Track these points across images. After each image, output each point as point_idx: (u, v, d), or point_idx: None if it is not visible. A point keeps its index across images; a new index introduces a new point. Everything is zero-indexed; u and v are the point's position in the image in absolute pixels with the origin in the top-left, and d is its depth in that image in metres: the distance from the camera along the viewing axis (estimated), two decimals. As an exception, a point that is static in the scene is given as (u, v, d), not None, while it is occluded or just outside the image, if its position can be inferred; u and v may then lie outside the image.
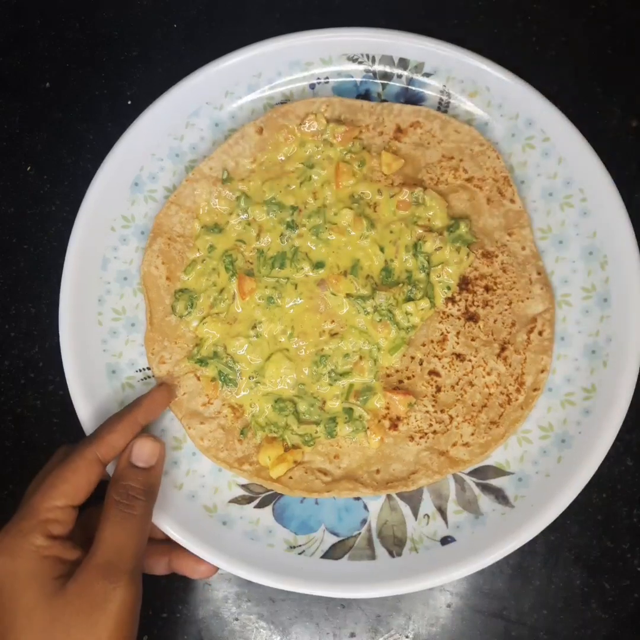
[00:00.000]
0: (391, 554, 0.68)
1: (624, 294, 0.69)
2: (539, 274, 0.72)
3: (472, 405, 0.70)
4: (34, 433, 0.82)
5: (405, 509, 0.69)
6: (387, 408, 0.71)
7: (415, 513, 0.69)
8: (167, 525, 0.67)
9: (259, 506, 0.70)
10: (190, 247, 0.75)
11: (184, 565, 0.69)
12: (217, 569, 0.68)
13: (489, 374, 0.70)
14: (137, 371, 0.74)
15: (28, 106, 0.89)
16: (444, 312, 0.72)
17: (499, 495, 0.68)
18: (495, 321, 0.72)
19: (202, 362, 0.72)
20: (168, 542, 0.70)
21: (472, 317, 0.72)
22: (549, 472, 0.67)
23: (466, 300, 0.72)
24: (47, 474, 0.64)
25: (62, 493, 0.62)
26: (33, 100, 0.89)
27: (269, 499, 0.70)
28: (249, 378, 0.72)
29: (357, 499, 0.70)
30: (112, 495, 0.63)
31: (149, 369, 0.73)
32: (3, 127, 0.89)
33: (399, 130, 0.77)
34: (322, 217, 0.74)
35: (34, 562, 0.59)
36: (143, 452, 0.65)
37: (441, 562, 0.66)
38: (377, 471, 0.69)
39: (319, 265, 0.74)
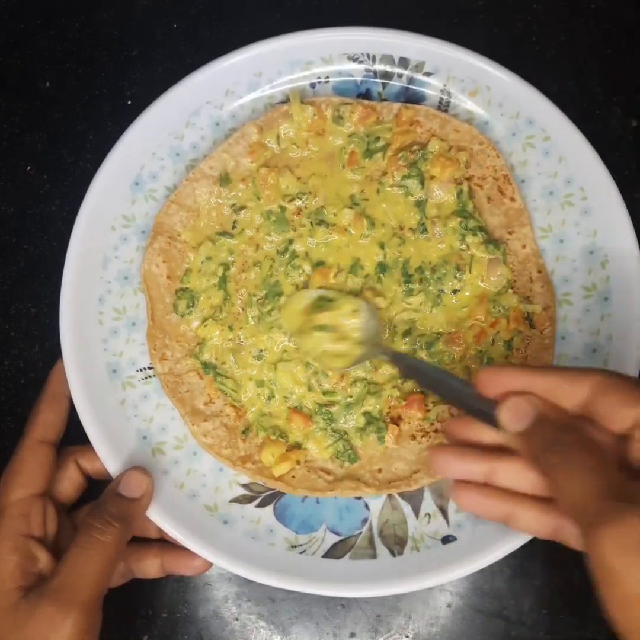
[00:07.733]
0: (392, 553, 0.68)
1: (625, 292, 0.69)
2: (539, 272, 0.72)
3: (474, 403, 0.70)
4: (34, 433, 0.82)
5: (407, 508, 0.69)
6: (389, 407, 0.71)
7: (416, 512, 0.69)
8: (168, 525, 0.67)
9: (260, 505, 0.70)
10: (192, 248, 0.75)
11: (178, 563, 0.69)
12: (211, 563, 0.68)
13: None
14: (137, 371, 0.73)
15: (28, 106, 0.89)
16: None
17: (501, 494, 0.68)
18: (496, 320, 0.72)
19: (205, 366, 0.72)
20: (160, 542, 0.70)
21: (473, 316, 0.72)
22: (551, 471, 0.67)
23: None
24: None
25: (18, 484, 0.63)
26: (33, 100, 0.89)
27: (270, 499, 0.70)
28: (250, 380, 0.72)
29: (358, 498, 0.70)
30: (87, 518, 0.62)
31: (149, 368, 0.73)
32: (3, 127, 0.89)
33: (399, 129, 0.77)
34: (322, 218, 0.74)
35: (4, 565, 0.59)
36: (130, 482, 0.65)
37: (443, 561, 0.65)
38: (380, 470, 0.69)
39: (318, 265, 0.73)
